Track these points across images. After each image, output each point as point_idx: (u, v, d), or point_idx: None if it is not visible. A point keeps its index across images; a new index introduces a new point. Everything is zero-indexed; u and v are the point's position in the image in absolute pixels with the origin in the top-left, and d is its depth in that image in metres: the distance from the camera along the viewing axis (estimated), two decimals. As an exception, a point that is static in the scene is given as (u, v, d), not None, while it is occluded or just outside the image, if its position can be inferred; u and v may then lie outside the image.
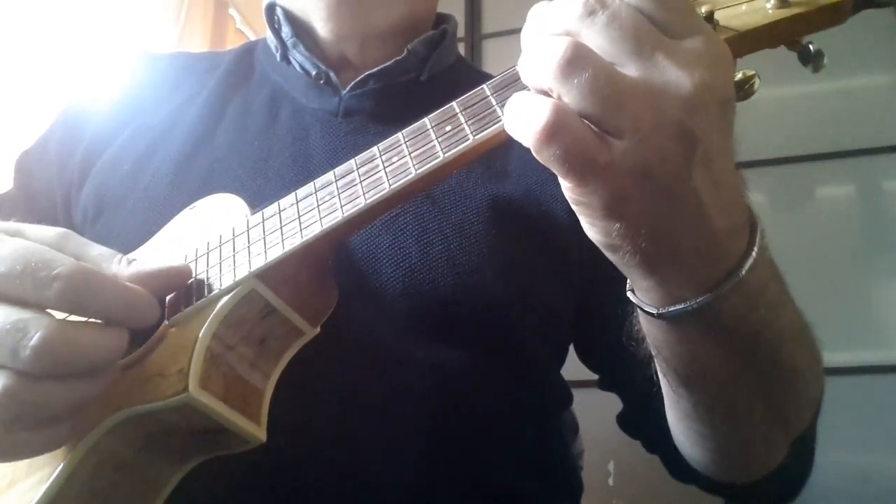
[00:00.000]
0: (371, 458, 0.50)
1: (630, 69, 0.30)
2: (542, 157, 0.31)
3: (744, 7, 0.35)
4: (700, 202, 0.32)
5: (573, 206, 0.34)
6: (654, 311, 0.39)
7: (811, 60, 0.35)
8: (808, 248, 2.03)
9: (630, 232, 0.33)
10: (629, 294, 0.41)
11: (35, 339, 0.34)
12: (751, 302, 0.37)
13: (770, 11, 0.35)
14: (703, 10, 0.35)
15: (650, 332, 0.42)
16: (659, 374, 0.47)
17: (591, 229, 0.35)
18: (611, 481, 1.78)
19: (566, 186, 0.33)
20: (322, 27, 0.68)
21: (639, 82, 0.30)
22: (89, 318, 0.37)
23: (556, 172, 0.32)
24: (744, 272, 0.35)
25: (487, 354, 0.56)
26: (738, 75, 0.35)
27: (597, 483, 1.76)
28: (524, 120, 0.31)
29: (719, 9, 0.35)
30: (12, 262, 0.36)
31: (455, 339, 0.55)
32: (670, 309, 0.37)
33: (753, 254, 0.36)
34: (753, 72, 0.35)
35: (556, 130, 0.30)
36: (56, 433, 0.37)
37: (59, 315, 0.36)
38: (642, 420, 0.58)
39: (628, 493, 1.77)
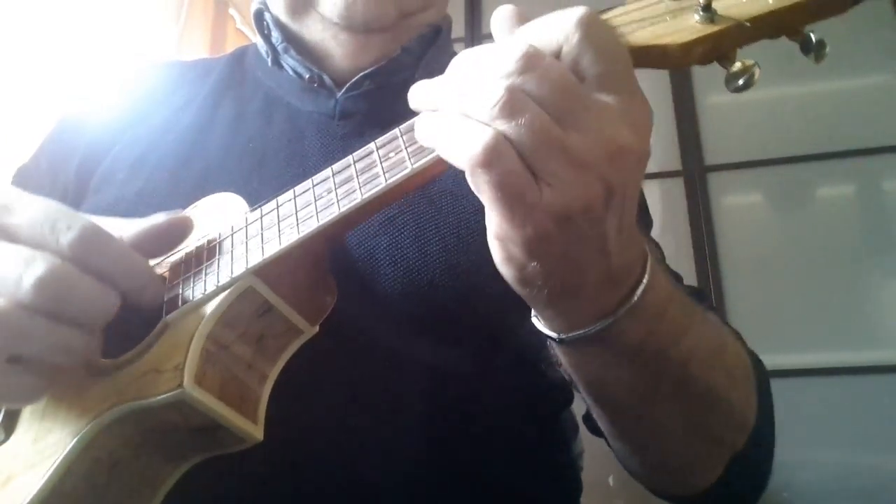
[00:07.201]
0: (370, 458, 0.50)
1: (564, 124, 0.32)
2: (475, 182, 0.33)
3: None
4: (605, 245, 0.35)
5: (494, 242, 0.36)
6: (554, 336, 0.42)
7: (812, 50, 0.35)
8: (808, 248, 2.03)
9: (544, 270, 0.36)
10: (534, 321, 0.43)
11: (40, 271, 0.36)
12: (649, 324, 0.41)
13: (770, 1, 0.34)
14: (701, 0, 0.34)
15: (560, 356, 0.45)
16: None
17: (506, 265, 0.37)
18: (611, 481, 1.78)
19: (492, 220, 0.35)
20: (339, 62, 0.68)
21: (571, 139, 0.32)
22: (95, 275, 0.39)
23: (485, 201, 0.34)
24: (636, 297, 0.39)
25: (486, 354, 0.56)
26: (737, 65, 0.35)
27: (597, 483, 1.76)
28: (463, 142, 0.33)
29: None
30: (37, 213, 0.40)
31: (453, 338, 0.54)
32: (570, 335, 0.41)
33: (644, 281, 0.39)
34: (753, 61, 0.35)
35: (494, 157, 0.32)
36: (31, 382, 0.39)
37: None
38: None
39: (628, 493, 1.77)
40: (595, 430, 0.64)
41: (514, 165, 0.32)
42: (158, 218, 0.45)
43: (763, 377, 0.53)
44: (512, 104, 0.32)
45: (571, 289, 0.38)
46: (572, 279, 0.37)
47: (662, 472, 0.54)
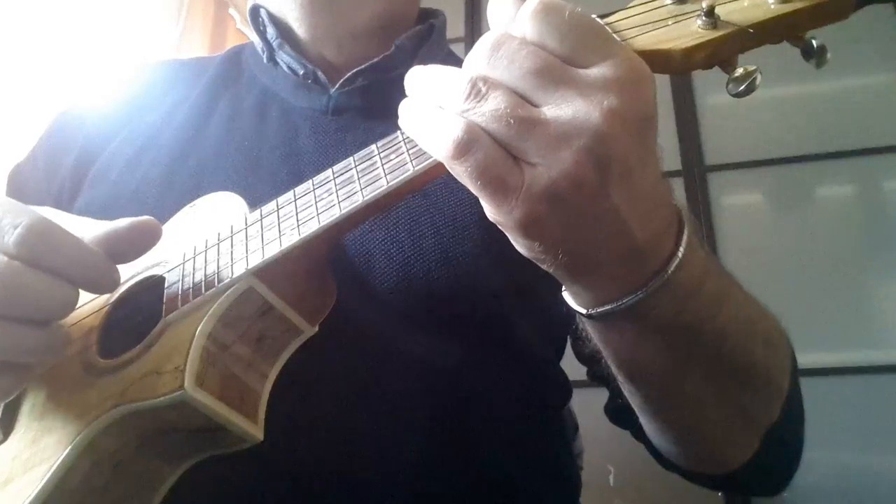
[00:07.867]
0: (369, 455, 0.50)
1: (537, 103, 0.32)
2: (454, 172, 0.33)
3: (746, 2, 0.35)
4: (620, 218, 0.34)
5: (497, 224, 0.36)
6: (583, 310, 0.40)
7: (814, 56, 0.34)
8: (808, 248, 2.03)
9: (549, 249, 0.35)
10: (563, 294, 0.42)
11: None
12: (683, 300, 0.39)
13: (772, 6, 0.34)
14: (704, 5, 0.34)
15: (590, 330, 0.44)
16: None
17: (516, 244, 0.37)
18: (611, 480, 1.78)
19: (484, 207, 0.35)
20: (298, 28, 0.69)
21: (546, 115, 0.31)
22: (45, 270, 0.39)
23: (469, 188, 0.33)
24: (669, 272, 0.37)
25: (483, 347, 0.56)
26: (739, 71, 0.35)
27: (597, 483, 1.76)
28: (436, 133, 0.33)
29: (720, 4, 0.35)
30: None
31: (451, 331, 0.54)
32: (598, 309, 0.39)
33: (679, 254, 0.37)
34: (754, 67, 0.35)
35: (468, 147, 0.32)
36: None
37: None
38: (623, 410, 0.58)
39: (628, 493, 1.77)
40: (619, 419, 0.64)
41: (490, 152, 0.32)
42: (122, 222, 0.44)
43: (790, 345, 0.53)
44: (476, 91, 0.32)
45: (588, 265, 0.36)
46: (586, 255, 0.36)
47: (697, 449, 0.53)
